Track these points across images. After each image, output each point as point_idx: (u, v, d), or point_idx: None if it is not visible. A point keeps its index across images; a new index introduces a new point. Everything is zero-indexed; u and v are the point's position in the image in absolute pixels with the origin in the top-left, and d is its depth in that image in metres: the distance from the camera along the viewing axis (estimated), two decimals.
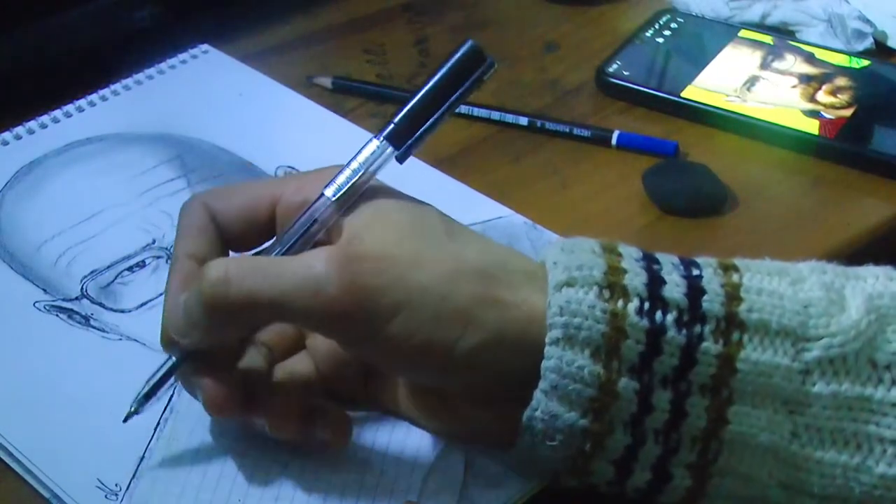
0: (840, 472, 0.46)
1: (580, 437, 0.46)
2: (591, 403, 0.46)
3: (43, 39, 0.75)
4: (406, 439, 0.52)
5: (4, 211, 0.65)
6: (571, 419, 0.46)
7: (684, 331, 0.45)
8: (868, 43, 0.78)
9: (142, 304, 0.59)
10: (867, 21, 0.78)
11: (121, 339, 0.57)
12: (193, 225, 0.51)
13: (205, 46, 0.77)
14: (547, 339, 0.46)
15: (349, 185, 0.48)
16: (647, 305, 0.46)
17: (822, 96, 0.73)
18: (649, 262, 0.48)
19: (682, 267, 0.48)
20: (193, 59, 0.76)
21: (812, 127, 0.71)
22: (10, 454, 0.51)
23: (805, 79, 0.74)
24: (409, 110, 0.48)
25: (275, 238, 0.50)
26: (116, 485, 0.50)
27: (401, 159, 0.48)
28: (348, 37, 0.82)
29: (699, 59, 0.76)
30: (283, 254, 0.49)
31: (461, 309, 0.46)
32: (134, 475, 0.50)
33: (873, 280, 0.48)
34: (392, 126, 0.48)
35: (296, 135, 0.71)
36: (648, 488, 0.48)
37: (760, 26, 0.80)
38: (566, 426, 0.46)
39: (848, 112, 0.72)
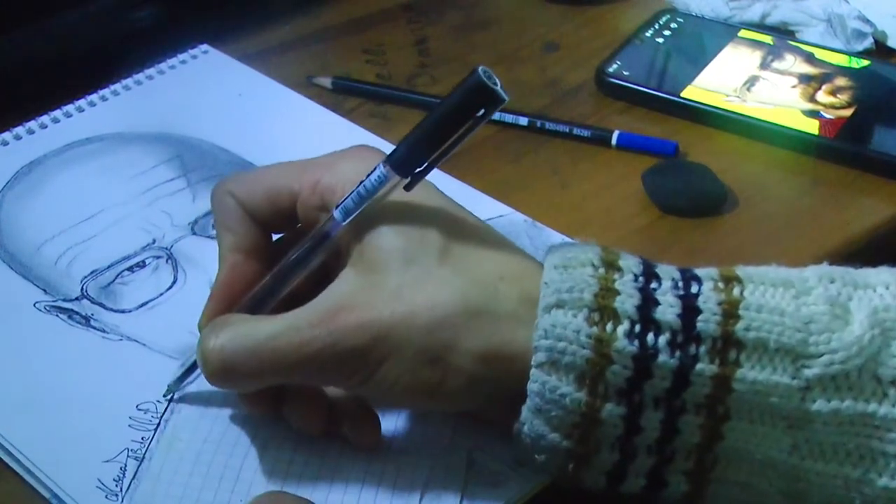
0: (841, 483, 0.46)
1: (564, 456, 0.47)
2: (573, 429, 0.46)
3: (43, 39, 0.75)
4: (409, 438, 0.52)
5: (4, 211, 0.65)
6: (555, 440, 0.46)
7: (678, 353, 0.45)
8: (868, 43, 0.78)
9: (142, 305, 0.59)
10: (867, 21, 0.78)
11: (121, 340, 0.57)
12: (232, 217, 0.52)
13: (205, 46, 0.77)
14: (532, 362, 0.46)
15: (358, 211, 0.48)
16: (637, 328, 0.45)
17: (822, 96, 0.73)
18: (647, 279, 0.47)
19: (681, 283, 0.47)
20: (193, 59, 0.76)
21: (812, 127, 0.71)
22: (10, 454, 0.51)
23: (805, 79, 0.74)
24: (420, 137, 0.48)
25: (290, 252, 0.51)
26: (117, 485, 0.50)
27: (408, 188, 0.48)
28: (348, 37, 0.82)
29: (699, 59, 0.76)
30: (293, 269, 0.50)
31: (439, 358, 0.46)
32: (135, 475, 0.50)
33: (882, 289, 0.47)
34: (403, 154, 0.48)
35: (296, 135, 0.71)
36: (645, 492, 0.48)
37: (760, 26, 0.80)
38: (551, 446, 0.46)
39: (848, 112, 0.72)
